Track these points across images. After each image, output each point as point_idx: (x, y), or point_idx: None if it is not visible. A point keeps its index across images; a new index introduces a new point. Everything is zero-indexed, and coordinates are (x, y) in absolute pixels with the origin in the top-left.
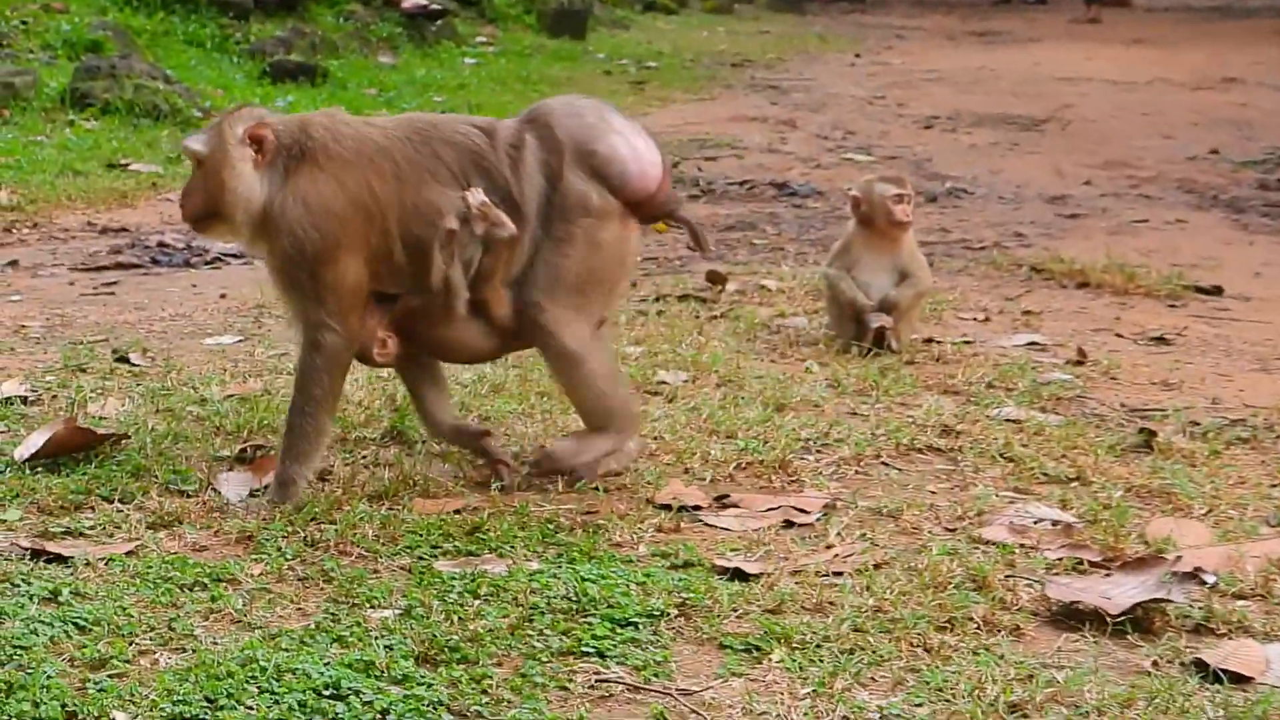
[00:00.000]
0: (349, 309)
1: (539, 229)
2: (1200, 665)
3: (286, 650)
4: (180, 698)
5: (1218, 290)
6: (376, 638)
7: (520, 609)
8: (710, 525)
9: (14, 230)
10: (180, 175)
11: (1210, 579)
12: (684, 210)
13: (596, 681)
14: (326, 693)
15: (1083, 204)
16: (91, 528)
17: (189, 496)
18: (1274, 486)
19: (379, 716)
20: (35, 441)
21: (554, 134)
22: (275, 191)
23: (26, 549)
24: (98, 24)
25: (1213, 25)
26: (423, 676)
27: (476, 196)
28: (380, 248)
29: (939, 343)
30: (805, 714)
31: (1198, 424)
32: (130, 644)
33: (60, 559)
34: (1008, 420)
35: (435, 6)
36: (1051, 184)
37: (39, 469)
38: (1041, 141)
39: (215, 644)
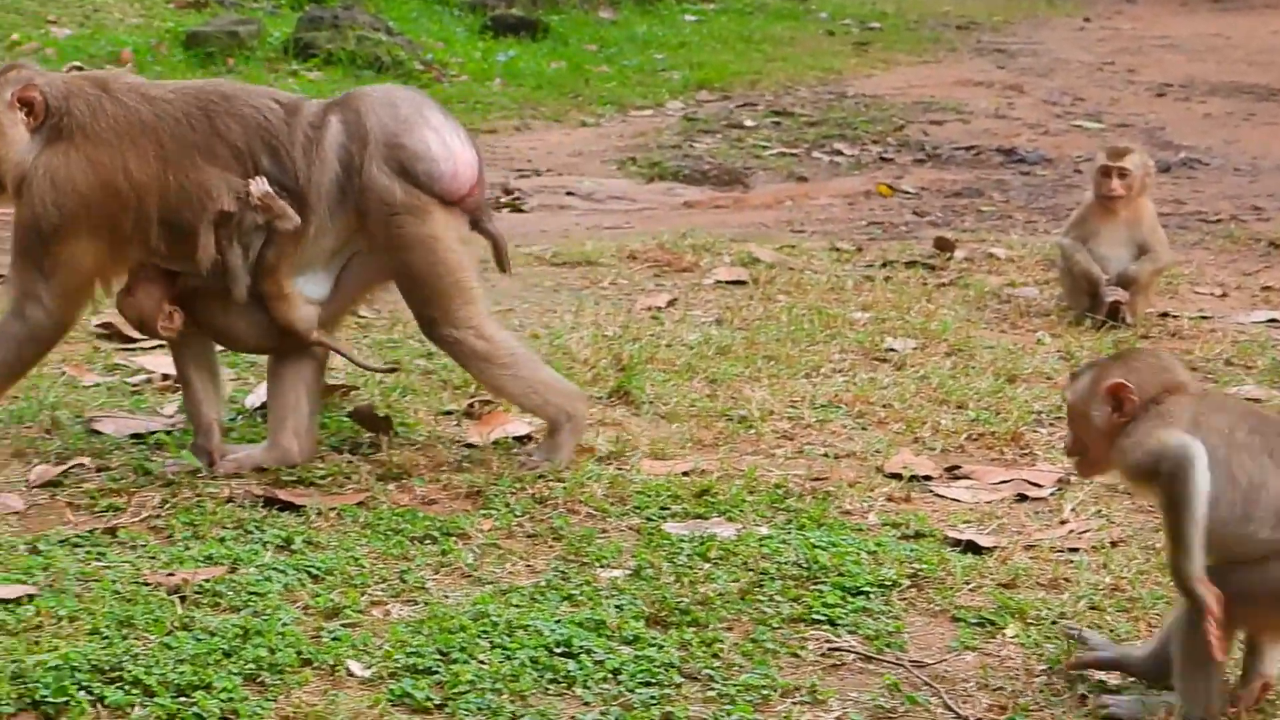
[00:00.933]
0: (71, 293)
1: (330, 220)
2: None
3: (517, 606)
4: (413, 649)
5: None
6: (606, 597)
7: (750, 574)
8: (941, 496)
9: None
10: None
11: None
12: (493, 224)
13: (828, 650)
14: (558, 650)
15: None
16: (323, 478)
17: (418, 449)
18: None
19: (610, 676)
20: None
21: (362, 121)
22: (34, 159)
23: (260, 496)
24: None
25: None
26: (653, 638)
27: (259, 186)
28: (134, 230)
29: (1175, 317)
30: (1040, 690)
31: None
32: (363, 594)
33: (292, 507)
34: (1247, 399)
35: None
36: None
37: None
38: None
39: (446, 597)
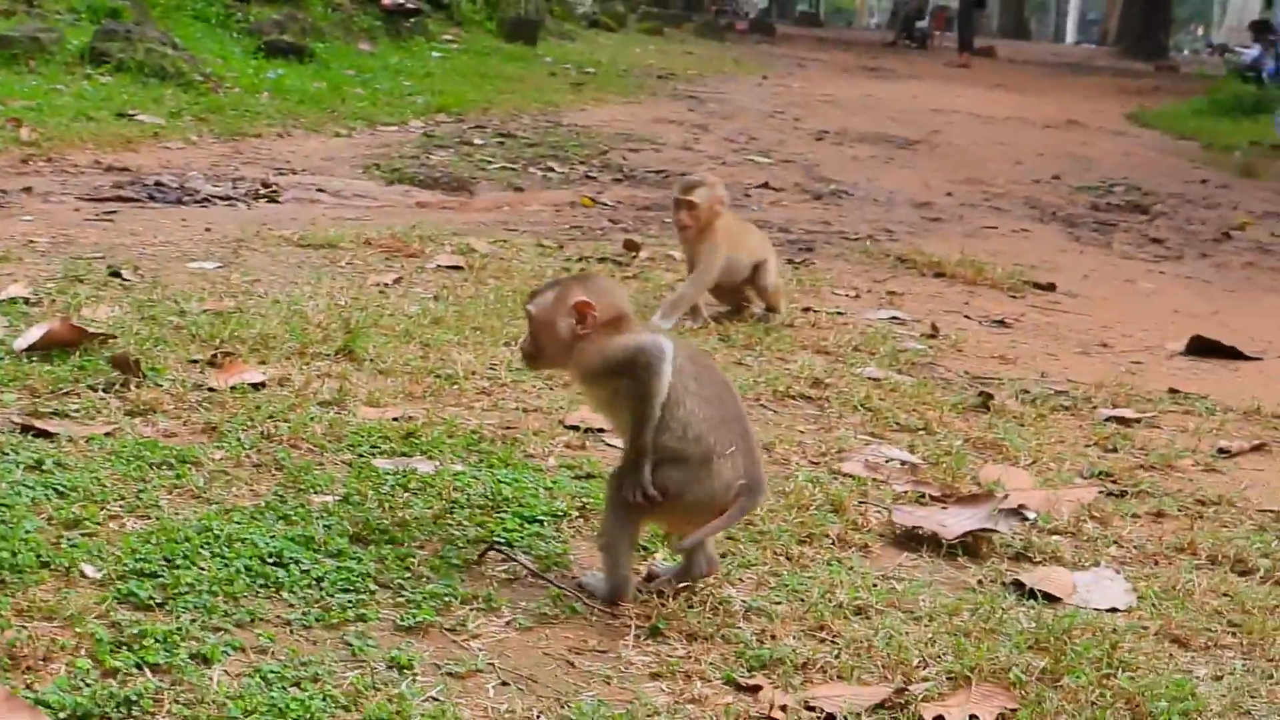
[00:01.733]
0: None
1: None
2: (1018, 586)
3: (238, 523)
4: (141, 556)
5: (1051, 287)
6: (317, 518)
7: (443, 502)
8: (612, 446)
9: (30, 163)
10: (179, 128)
11: (1031, 515)
12: None
13: (505, 568)
14: (270, 560)
15: (944, 211)
16: (76, 410)
17: (164, 391)
18: (1088, 446)
19: (314, 583)
20: (33, 335)
21: None
22: None
23: (17, 424)
24: None
25: (1063, 78)
26: (354, 553)
27: None
28: None
29: (816, 311)
30: (681, 604)
31: (1028, 392)
32: (101, 509)
33: (46, 435)
34: (869, 378)
35: (410, 5)
36: (919, 193)
37: (34, 358)
38: (913, 159)
39: (177, 514)
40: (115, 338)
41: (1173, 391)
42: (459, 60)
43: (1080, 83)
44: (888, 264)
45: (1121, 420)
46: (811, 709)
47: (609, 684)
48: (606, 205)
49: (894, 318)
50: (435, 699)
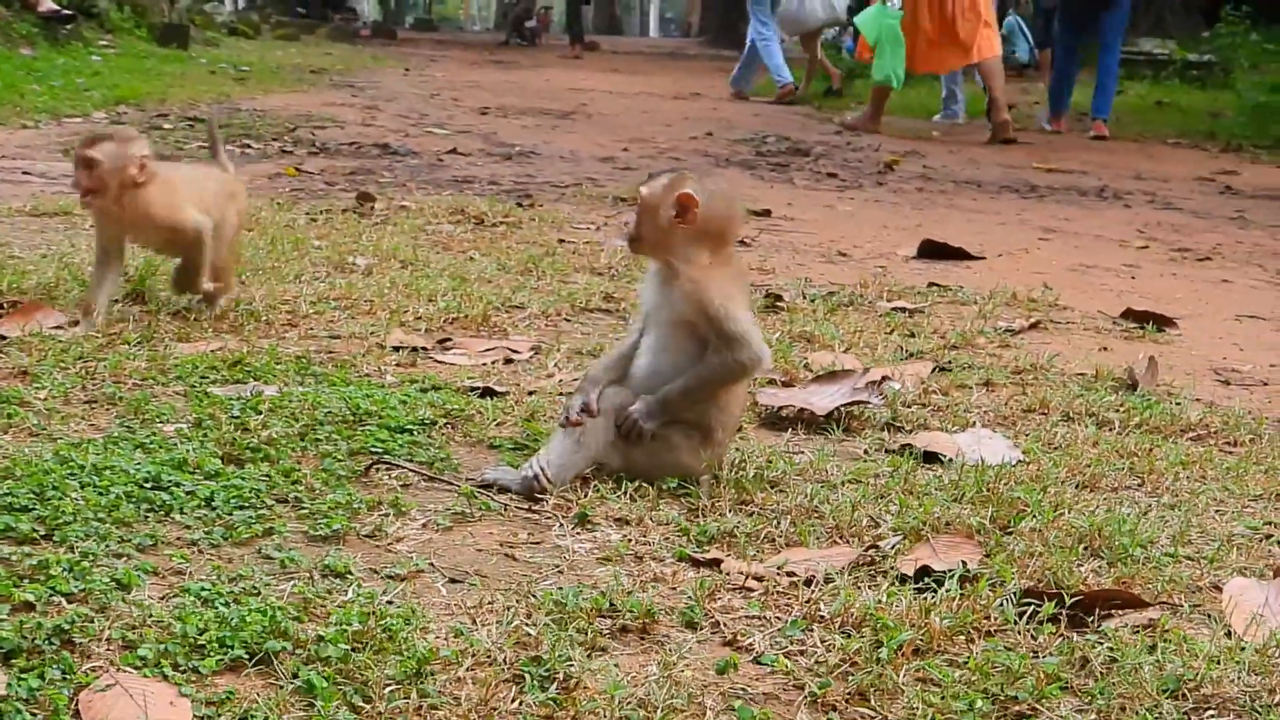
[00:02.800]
0: None
1: None
2: (904, 450)
3: (95, 454)
4: (6, 492)
5: (767, 213)
6: (177, 444)
7: (303, 421)
8: (440, 361)
9: None
10: None
11: (895, 386)
12: None
13: (394, 475)
14: (148, 485)
15: (628, 163)
16: None
17: None
18: (888, 333)
19: (204, 503)
20: None
21: None
22: None
23: None
24: None
25: (667, 63)
26: (234, 472)
27: None
28: None
29: (571, 242)
30: (598, 493)
31: (805, 294)
32: None
33: None
34: None
35: (66, 12)
36: (596, 151)
37: None
38: (575, 126)
39: (23, 450)
40: None
41: (933, 285)
42: (121, 61)
43: (682, 66)
44: (609, 202)
45: (903, 310)
46: (790, 574)
47: (561, 573)
48: (312, 174)
49: None
50: (392, 601)
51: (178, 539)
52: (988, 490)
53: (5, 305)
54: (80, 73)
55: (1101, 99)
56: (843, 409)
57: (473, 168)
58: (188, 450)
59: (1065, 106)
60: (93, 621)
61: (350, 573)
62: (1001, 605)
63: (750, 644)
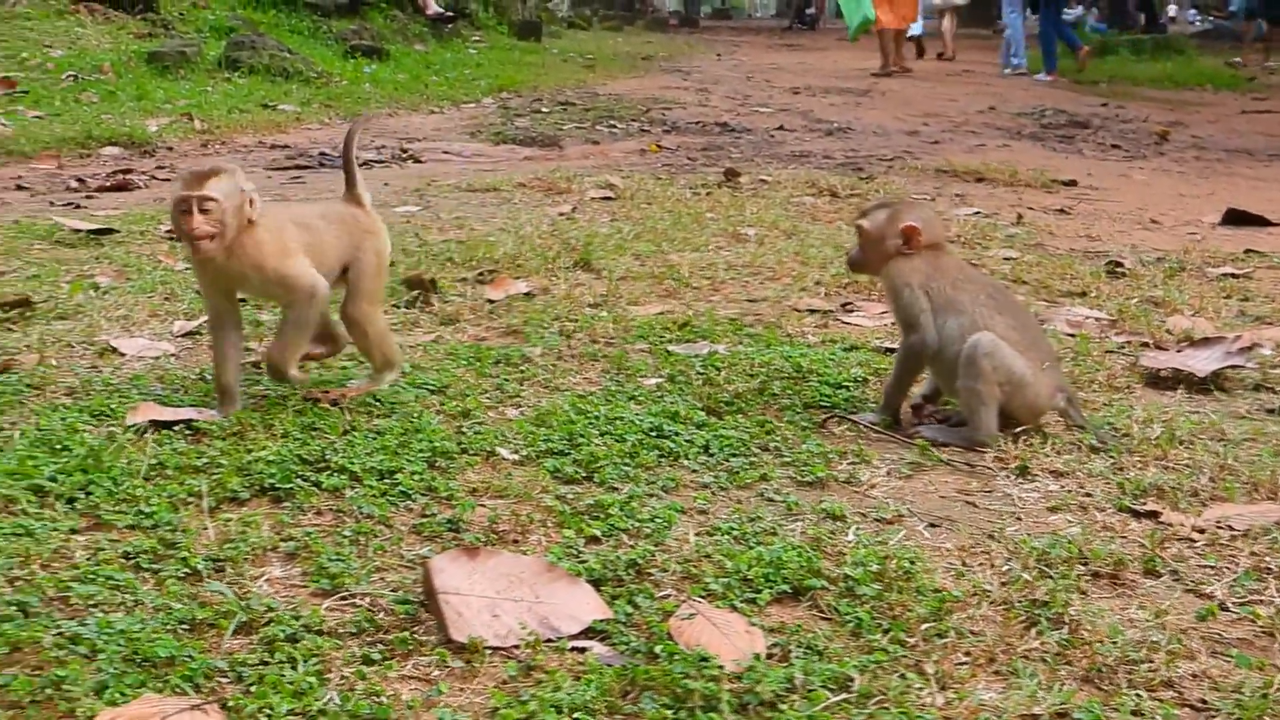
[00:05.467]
0: None
1: None
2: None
3: (602, 404)
4: (544, 438)
5: (1073, 183)
6: (661, 397)
7: (755, 377)
8: (848, 323)
9: (209, 146)
10: (312, 113)
11: (1266, 351)
12: None
13: (850, 427)
14: (653, 434)
15: (932, 136)
16: (396, 324)
17: (455, 305)
18: (1226, 297)
19: (702, 451)
20: None
21: None
22: None
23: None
24: (231, 16)
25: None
26: (716, 423)
27: None
28: None
29: None
30: (1030, 448)
31: (1142, 260)
32: (478, 401)
33: None
34: (1005, 258)
35: (449, 14)
36: (899, 125)
37: None
38: (873, 103)
39: (541, 401)
40: (395, 263)
41: (1249, 251)
42: (491, 54)
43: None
44: (931, 175)
45: (1232, 275)
46: (1229, 528)
47: (1019, 520)
48: (671, 149)
49: (978, 212)
50: (882, 543)
51: (692, 482)
52: None
53: (486, 274)
54: (464, 65)
55: None
56: (1220, 370)
57: (803, 143)
58: (672, 403)
59: None
60: (653, 557)
61: (845, 516)
62: None
63: (1211, 592)
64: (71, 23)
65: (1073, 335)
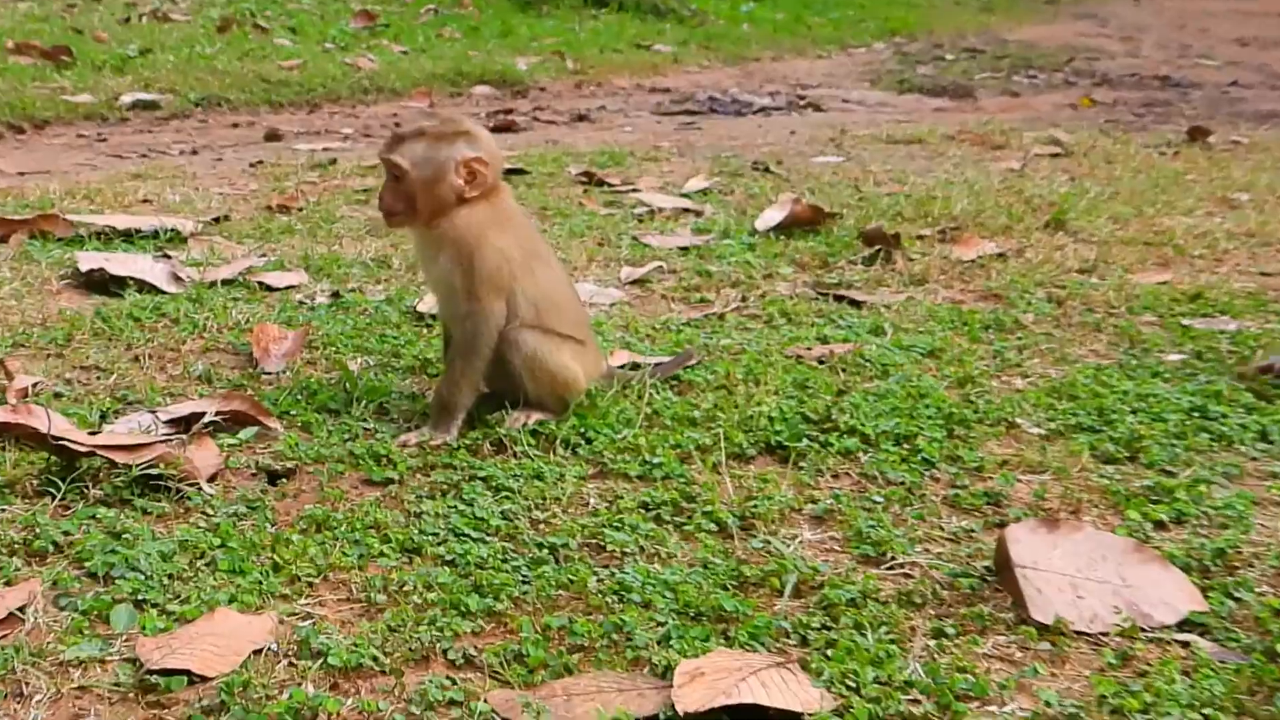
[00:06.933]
0: None
1: None
2: None
3: (1127, 379)
4: (1070, 411)
5: None
6: (1192, 375)
7: None
8: None
9: (583, 87)
10: (689, 55)
11: None
12: None
13: None
14: (1194, 415)
15: None
16: (858, 282)
17: (919, 264)
18: None
19: (1259, 435)
20: (774, 216)
21: None
22: None
23: (818, 294)
24: None
25: None
26: (1269, 406)
27: None
28: None
29: None
30: None
31: None
32: (974, 368)
33: (854, 303)
34: None
35: None
36: None
37: (780, 237)
38: None
39: (1049, 372)
40: (841, 215)
41: None
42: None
43: None
44: None
45: None
46: None
47: None
48: (1105, 104)
49: None
50: None
51: (1255, 470)
52: None
53: (948, 231)
54: (847, 4)
55: None
56: None
57: (1266, 101)
58: (1212, 381)
59: None
60: (1239, 547)
61: None
62: None
63: None
64: None
65: None
